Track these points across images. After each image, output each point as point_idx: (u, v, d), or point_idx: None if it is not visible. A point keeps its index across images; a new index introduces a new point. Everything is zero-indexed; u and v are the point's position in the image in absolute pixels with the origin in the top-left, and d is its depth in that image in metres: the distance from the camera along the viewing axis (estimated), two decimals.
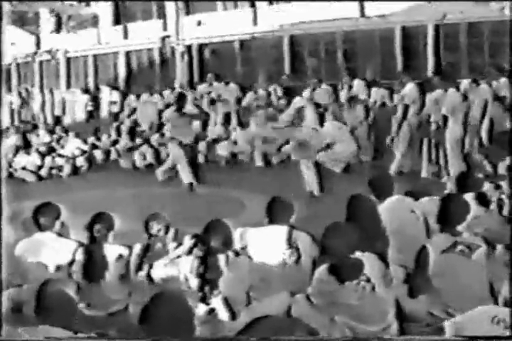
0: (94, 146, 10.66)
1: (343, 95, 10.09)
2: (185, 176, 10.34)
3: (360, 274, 9.85)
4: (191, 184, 10.31)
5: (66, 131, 10.80)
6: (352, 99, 10.06)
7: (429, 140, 9.89)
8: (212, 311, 10.07)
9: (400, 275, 9.71)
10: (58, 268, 10.46)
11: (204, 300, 10.12)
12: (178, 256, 10.23)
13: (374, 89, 10.02)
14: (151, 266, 10.27)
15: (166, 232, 10.31)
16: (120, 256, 10.34)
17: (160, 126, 10.52)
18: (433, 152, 9.87)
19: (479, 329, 9.47)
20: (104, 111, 10.75)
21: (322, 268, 9.93)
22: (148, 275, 10.27)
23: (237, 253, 10.11)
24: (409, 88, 9.92)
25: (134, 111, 10.63)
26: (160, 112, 10.53)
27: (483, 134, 9.76)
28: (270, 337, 9.86)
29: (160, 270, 10.25)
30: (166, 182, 10.39)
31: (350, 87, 10.06)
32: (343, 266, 9.90)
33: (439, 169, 9.85)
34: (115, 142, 10.60)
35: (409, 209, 9.77)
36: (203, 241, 10.22)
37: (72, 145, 10.68)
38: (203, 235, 10.23)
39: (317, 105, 10.14)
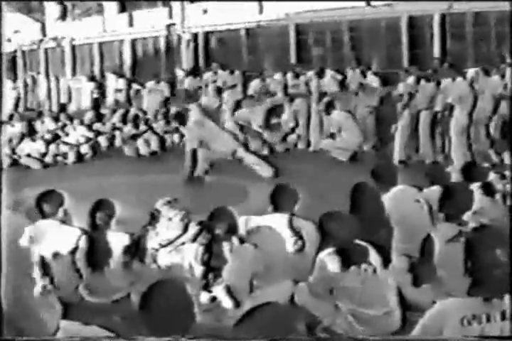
0: (98, 133, 10.66)
1: (349, 84, 10.06)
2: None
3: (363, 262, 9.85)
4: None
5: (71, 118, 10.80)
6: (358, 88, 10.04)
7: (435, 129, 9.86)
8: (214, 299, 10.07)
9: (404, 264, 9.69)
10: (61, 255, 10.46)
11: (207, 287, 10.11)
12: (183, 243, 10.22)
13: (380, 78, 9.98)
14: (155, 254, 10.29)
15: (170, 219, 10.31)
16: (123, 244, 10.33)
17: (166, 114, 10.51)
18: (438, 141, 9.85)
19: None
20: (109, 99, 10.74)
21: (324, 253, 9.89)
22: (154, 263, 10.28)
23: (241, 241, 10.10)
24: (413, 77, 9.88)
25: (139, 98, 10.64)
26: (166, 100, 10.53)
27: (490, 124, 9.74)
28: (272, 324, 9.87)
29: (164, 257, 10.24)
30: (171, 170, 10.38)
31: (357, 76, 10.03)
32: (347, 255, 9.88)
33: (445, 158, 9.83)
34: (119, 129, 10.60)
35: (413, 198, 9.75)
36: (207, 228, 10.21)
37: (77, 133, 10.69)
38: (207, 222, 10.22)
39: (323, 94, 10.12)
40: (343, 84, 10.10)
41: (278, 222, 9.99)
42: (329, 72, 10.11)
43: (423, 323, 9.57)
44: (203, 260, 10.14)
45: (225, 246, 10.11)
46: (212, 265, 10.15)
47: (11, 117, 10.95)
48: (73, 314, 10.38)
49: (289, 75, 10.21)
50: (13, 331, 10.44)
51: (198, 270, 10.13)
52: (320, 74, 10.14)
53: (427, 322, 9.55)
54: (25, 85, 11.01)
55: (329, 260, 9.82)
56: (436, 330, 9.50)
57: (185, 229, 10.23)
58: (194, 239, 10.20)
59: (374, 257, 9.74)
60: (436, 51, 9.90)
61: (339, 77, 10.08)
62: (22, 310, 10.47)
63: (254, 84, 10.27)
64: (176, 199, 10.27)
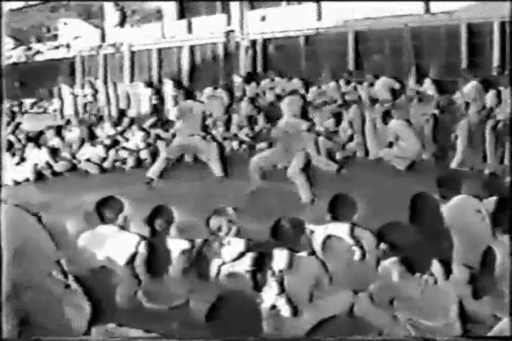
0: (158, 138, 10.71)
1: (406, 92, 10.02)
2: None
3: (425, 273, 9.81)
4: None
5: (130, 123, 10.86)
6: (415, 96, 9.99)
7: (494, 138, 9.79)
8: (274, 307, 10.07)
9: (464, 275, 9.64)
10: (120, 262, 10.54)
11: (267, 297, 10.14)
12: (242, 254, 10.22)
13: (438, 86, 9.93)
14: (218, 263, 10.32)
15: (229, 228, 10.33)
16: (183, 250, 10.36)
17: (227, 121, 10.54)
18: (498, 151, 9.77)
19: None
20: (168, 105, 10.78)
21: (387, 262, 9.86)
22: (216, 272, 10.31)
23: (300, 251, 10.09)
24: (472, 85, 9.81)
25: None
26: (225, 106, 10.55)
27: None
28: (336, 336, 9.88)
29: (226, 266, 10.27)
30: (229, 177, 10.41)
31: (414, 83, 9.99)
32: (408, 265, 9.85)
33: (504, 168, 9.76)
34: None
35: (474, 208, 9.69)
36: (265, 237, 10.22)
37: (137, 138, 10.75)
38: (265, 232, 10.22)
39: (375, 101, 10.08)
40: (399, 92, 10.06)
41: (339, 231, 9.98)
42: (384, 80, 10.06)
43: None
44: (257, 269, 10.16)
45: (283, 256, 10.10)
46: (271, 274, 10.15)
47: (68, 122, 11.05)
48: (130, 320, 10.43)
49: (344, 82, 10.17)
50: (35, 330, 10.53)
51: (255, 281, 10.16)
52: (374, 82, 10.11)
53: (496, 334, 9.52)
54: (84, 91, 11.09)
55: (392, 269, 9.79)
56: None
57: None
58: (251, 249, 10.22)
59: (436, 268, 9.69)
60: (496, 59, 9.82)
61: (396, 84, 10.03)
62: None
63: (313, 92, 10.25)
64: (228, 209, 10.30)
